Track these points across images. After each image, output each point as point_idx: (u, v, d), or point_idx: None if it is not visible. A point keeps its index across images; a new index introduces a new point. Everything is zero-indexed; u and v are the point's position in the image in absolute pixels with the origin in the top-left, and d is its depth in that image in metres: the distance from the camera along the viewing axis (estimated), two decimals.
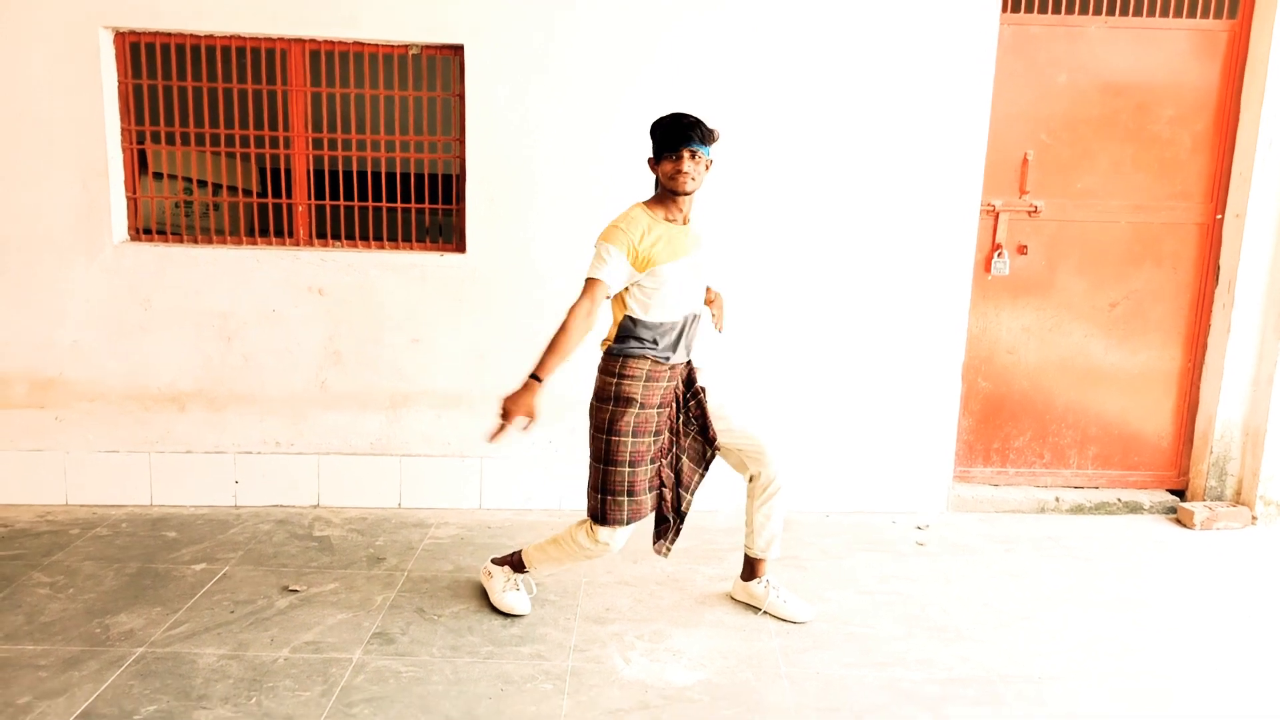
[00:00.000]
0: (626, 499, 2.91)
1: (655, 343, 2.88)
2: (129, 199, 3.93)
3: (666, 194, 2.85)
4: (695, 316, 2.97)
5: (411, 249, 4.01)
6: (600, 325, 2.87)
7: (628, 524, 2.94)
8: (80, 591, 3.24)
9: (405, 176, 4.12)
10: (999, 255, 4.14)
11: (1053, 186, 4.14)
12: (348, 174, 4.12)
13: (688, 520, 3.19)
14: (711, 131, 2.82)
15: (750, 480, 3.14)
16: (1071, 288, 4.21)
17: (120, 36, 3.79)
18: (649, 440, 2.93)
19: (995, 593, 3.47)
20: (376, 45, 3.84)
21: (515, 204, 3.90)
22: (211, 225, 4.10)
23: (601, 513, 2.93)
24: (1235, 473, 4.22)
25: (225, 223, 4.10)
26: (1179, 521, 4.17)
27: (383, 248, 4.00)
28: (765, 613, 3.21)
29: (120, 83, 3.83)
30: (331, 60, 3.93)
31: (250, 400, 4.00)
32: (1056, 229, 4.16)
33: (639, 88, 3.82)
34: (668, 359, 2.90)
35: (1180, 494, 4.35)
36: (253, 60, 3.96)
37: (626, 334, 2.88)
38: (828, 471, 4.15)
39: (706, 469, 3.07)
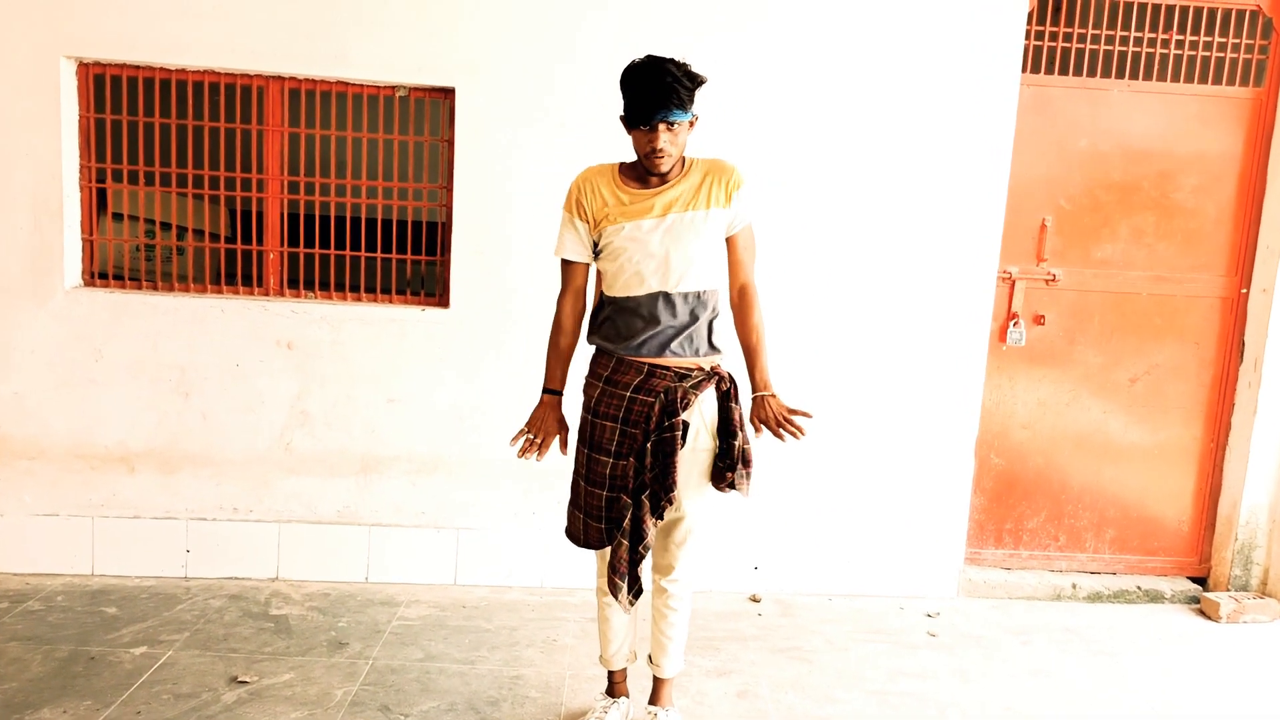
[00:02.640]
0: (579, 514, 2.59)
1: (617, 329, 2.48)
2: (85, 241, 3.62)
3: (642, 166, 2.43)
4: (676, 297, 2.42)
5: (391, 302, 3.72)
6: None
7: (584, 545, 2.60)
8: (2, 679, 2.87)
9: (387, 224, 3.85)
10: (1015, 325, 3.91)
11: (1071, 254, 3.93)
12: (325, 220, 3.85)
13: None
14: (694, 84, 2.32)
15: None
16: (1090, 361, 3.98)
17: (84, 68, 3.51)
18: (607, 460, 2.49)
19: (1018, 694, 3.18)
20: (361, 85, 3.59)
21: (505, 256, 3.63)
22: (174, 271, 3.79)
23: (567, 522, 2.67)
24: (1261, 561, 3.97)
25: (190, 269, 3.80)
26: (1203, 613, 3.91)
27: (360, 300, 3.71)
28: None
29: (81, 116, 3.54)
30: (312, 99, 3.68)
31: (207, 461, 3.67)
32: (1075, 299, 3.95)
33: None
34: (636, 353, 2.46)
35: (1202, 581, 4.09)
36: (226, 97, 3.69)
37: (594, 314, 2.60)
38: (831, 551, 3.86)
39: (658, 513, 2.48)
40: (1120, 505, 4.05)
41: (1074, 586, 3.96)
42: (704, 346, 2.51)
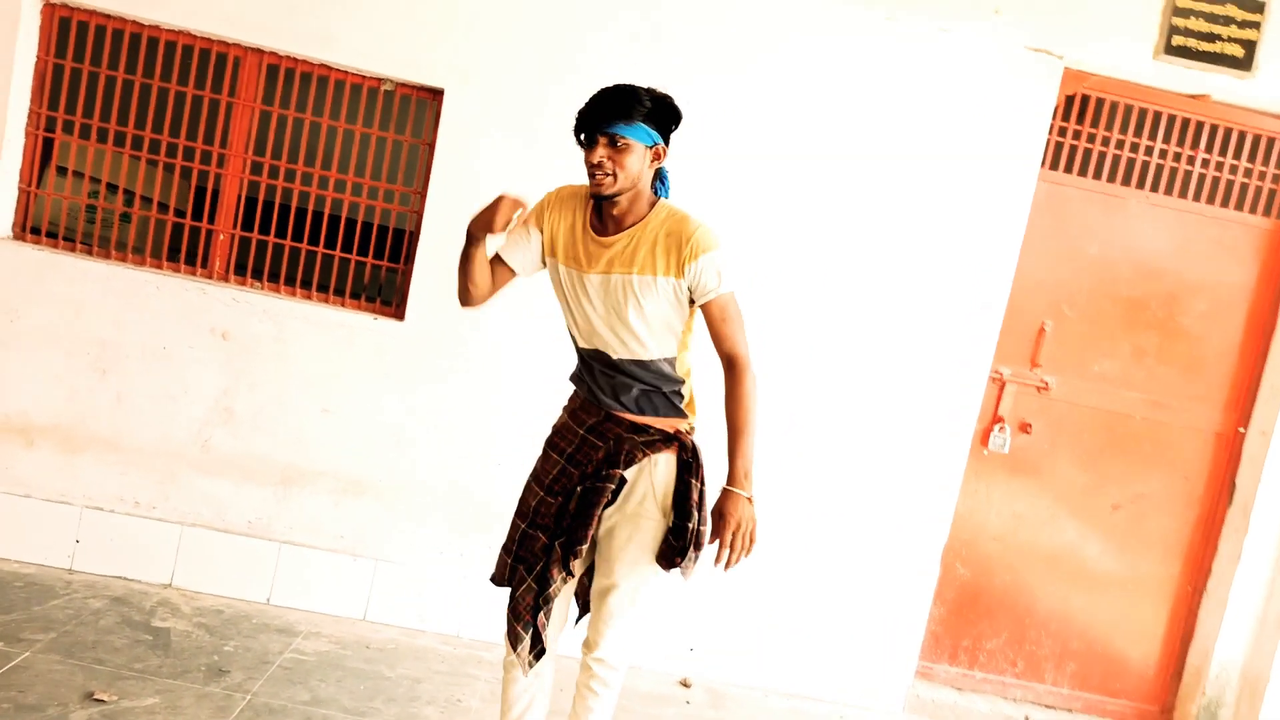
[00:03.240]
0: (503, 552, 2.37)
1: (578, 371, 2.34)
2: (21, 190, 3.34)
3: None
4: (618, 361, 2.20)
5: (343, 305, 3.45)
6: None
7: (494, 578, 2.38)
8: None
9: (350, 223, 3.59)
10: (1000, 429, 3.68)
11: (1067, 364, 3.71)
12: (284, 208, 3.58)
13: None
14: (656, 106, 2.09)
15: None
16: (1073, 479, 3.75)
17: (49, 7, 3.26)
18: (539, 493, 2.30)
19: None
20: (345, 72, 3.36)
21: None
22: (113, 237, 3.51)
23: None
24: None
25: (131, 238, 3.52)
26: None
27: (309, 298, 3.44)
28: None
29: (39, 59, 3.29)
30: (290, 79, 3.43)
31: (114, 447, 3.36)
32: (1065, 411, 3.72)
33: None
34: (592, 397, 2.27)
35: None
36: (199, 62, 3.44)
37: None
38: (774, 642, 3.57)
39: (565, 567, 2.27)
40: (1086, 638, 3.79)
41: (1026, 719, 3.69)
42: (665, 408, 2.25)
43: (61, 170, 3.43)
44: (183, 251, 3.49)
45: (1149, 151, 3.65)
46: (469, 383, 3.40)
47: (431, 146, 3.36)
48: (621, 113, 2.06)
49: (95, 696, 2.64)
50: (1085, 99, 3.61)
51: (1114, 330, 3.72)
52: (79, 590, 3.24)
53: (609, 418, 2.25)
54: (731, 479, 2.20)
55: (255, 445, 3.41)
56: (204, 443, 3.39)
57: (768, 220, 3.43)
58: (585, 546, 2.22)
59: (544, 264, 2.31)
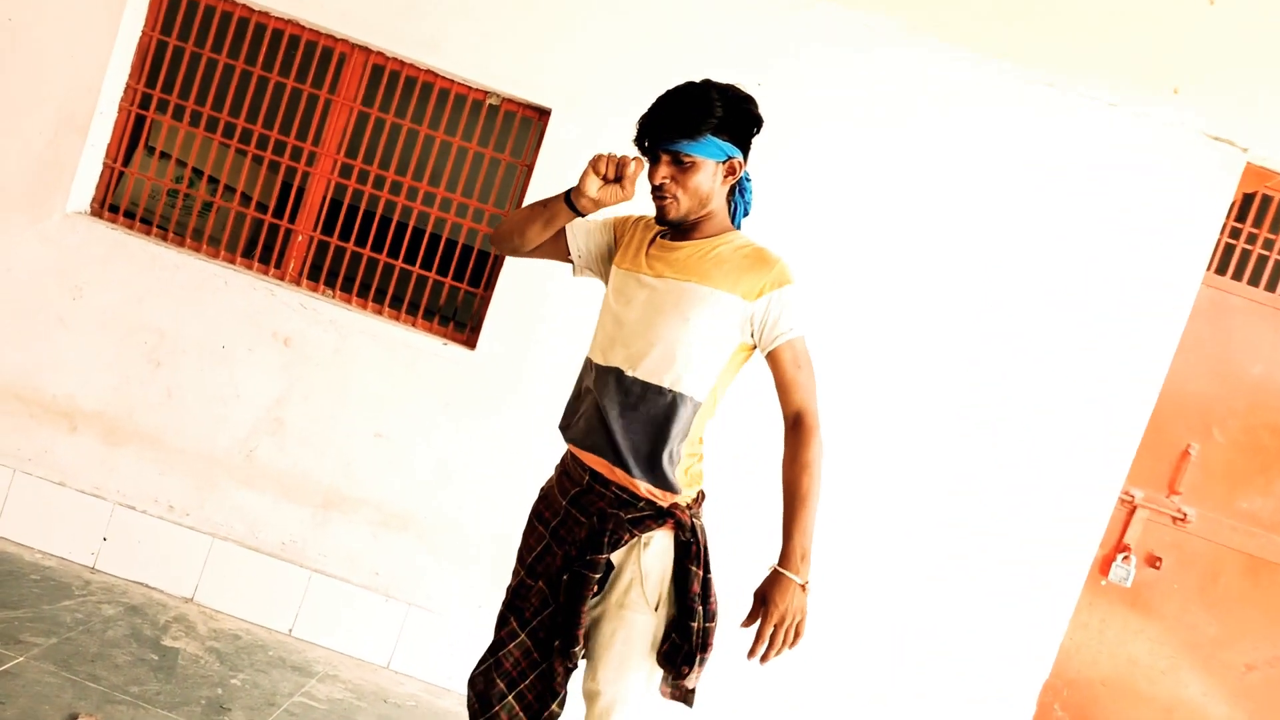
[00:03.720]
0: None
1: (571, 399, 2.01)
2: (107, 166, 3.21)
3: None
4: (631, 382, 1.85)
5: (413, 325, 3.21)
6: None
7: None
8: None
9: (434, 238, 3.36)
10: (1124, 559, 3.21)
11: (1211, 496, 3.24)
12: (368, 214, 3.38)
13: None
14: (731, 114, 1.80)
15: None
16: (1202, 628, 3.25)
17: None
18: (519, 570, 1.99)
19: None
20: (451, 81, 3.15)
21: (555, 310, 3.09)
22: (191, 225, 3.35)
23: None
24: None
25: (209, 226, 3.36)
26: None
27: (379, 312, 3.21)
28: None
29: (144, 34, 3.17)
30: (394, 82, 3.24)
31: (157, 444, 3.17)
32: (1203, 549, 3.24)
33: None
34: (573, 438, 1.95)
35: None
36: (304, 53, 3.28)
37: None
38: None
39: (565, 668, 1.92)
40: None
41: None
42: (663, 467, 1.84)
43: (150, 150, 3.30)
44: (258, 248, 3.31)
45: None
46: (531, 424, 3.11)
47: (530, 168, 3.12)
48: (688, 127, 1.78)
49: (78, 718, 2.40)
50: (1266, 199, 3.17)
51: (1270, 464, 3.23)
52: (95, 593, 3.03)
53: (592, 486, 1.90)
54: (784, 559, 1.81)
55: (300, 461, 3.18)
56: (249, 452, 3.18)
57: (893, 297, 3.07)
58: (577, 649, 1.87)
59: (600, 268, 2.05)
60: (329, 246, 3.24)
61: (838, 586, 3.07)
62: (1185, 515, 3.23)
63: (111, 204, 3.26)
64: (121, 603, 3.02)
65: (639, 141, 1.86)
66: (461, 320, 3.29)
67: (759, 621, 1.80)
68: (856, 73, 3.04)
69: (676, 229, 1.92)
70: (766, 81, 2.97)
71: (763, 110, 1.92)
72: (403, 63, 3.14)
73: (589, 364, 1.96)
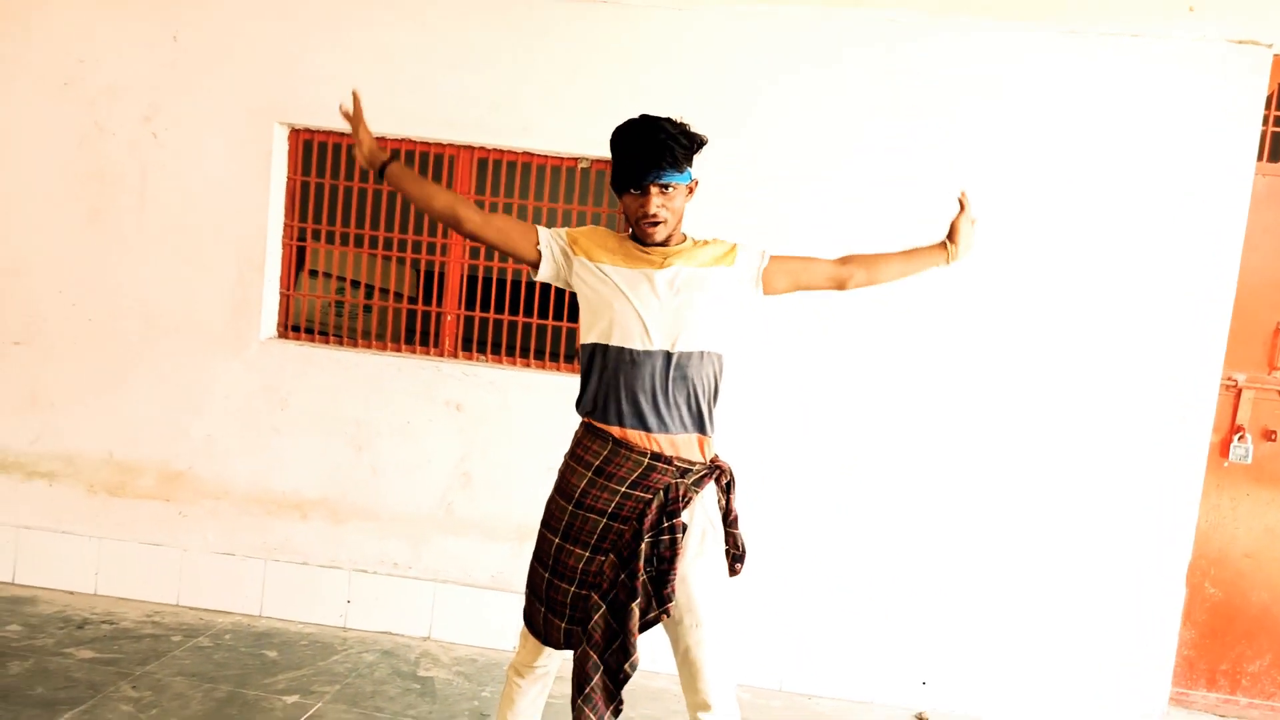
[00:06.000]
0: (540, 607, 2.28)
1: (595, 395, 2.22)
2: (282, 294, 3.82)
3: (634, 234, 2.25)
4: (679, 356, 2.16)
5: (559, 369, 3.71)
6: None
7: (545, 641, 2.29)
8: (164, 714, 2.97)
9: (561, 293, 3.86)
10: (1239, 439, 3.47)
11: None
12: (500, 284, 3.90)
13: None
14: (692, 144, 2.15)
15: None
16: None
17: (294, 133, 3.74)
18: (582, 553, 2.20)
19: None
20: (545, 156, 3.65)
21: None
22: (359, 327, 3.94)
23: (524, 608, 2.37)
24: None
25: (373, 325, 3.94)
26: None
27: (528, 365, 3.72)
28: None
29: (289, 178, 3.77)
30: (499, 168, 3.76)
31: (372, 515, 3.75)
32: None
33: (801, 218, 3.46)
34: (622, 431, 2.17)
35: None
36: (420, 163, 3.83)
37: (583, 382, 2.28)
38: (1010, 673, 3.49)
39: (645, 627, 2.19)
40: None
41: None
42: (706, 421, 2.24)
43: (313, 273, 3.90)
44: (417, 334, 3.86)
45: None
46: None
47: None
48: (671, 161, 2.12)
49: None
50: None
51: None
52: (353, 645, 3.62)
53: (652, 465, 2.18)
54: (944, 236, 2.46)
55: (492, 506, 3.71)
56: (448, 506, 3.72)
57: (992, 232, 3.42)
58: (670, 602, 2.15)
59: (557, 260, 2.29)
60: (474, 320, 3.78)
61: (993, 504, 3.44)
62: None
63: (293, 325, 3.86)
64: (376, 650, 3.60)
65: (625, 182, 2.16)
66: None
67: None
68: (897, 63, 3.41)
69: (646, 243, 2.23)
70: (796, 81, 3.38)
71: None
72: (502, 151, 3.66)
73: (620, 351, 2.18)
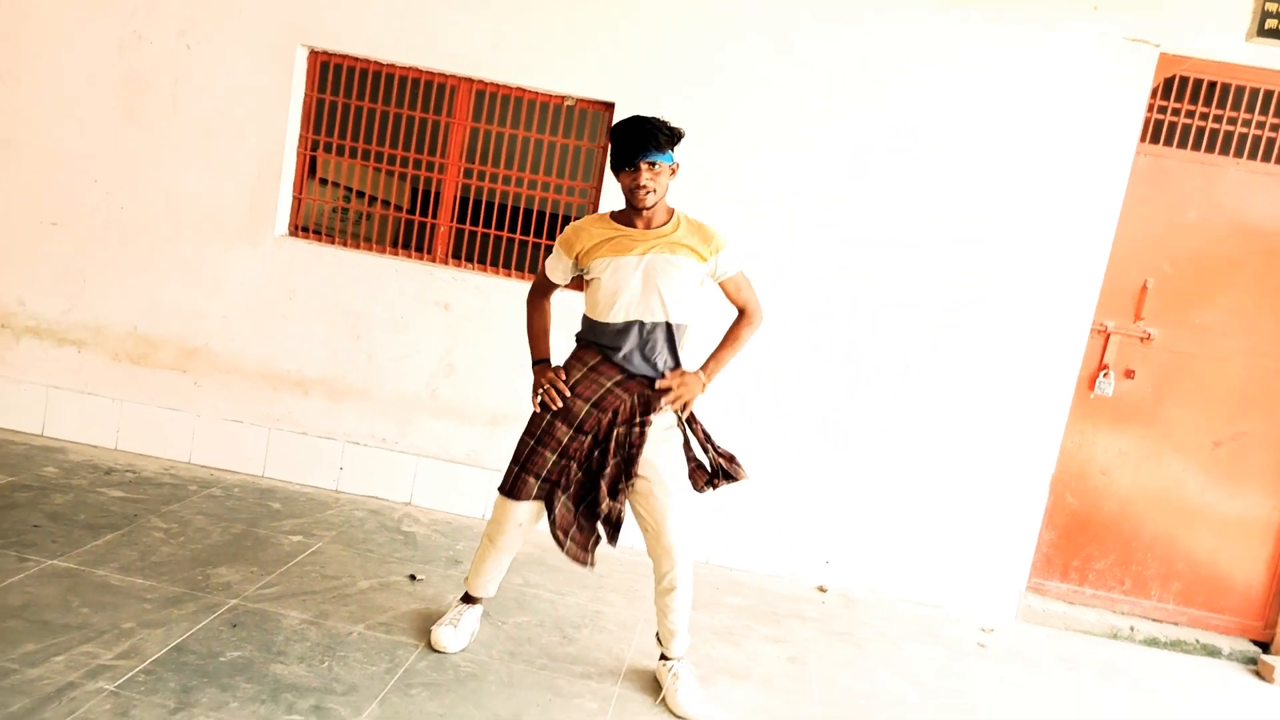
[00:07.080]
0: (517, 469, 2.95)
1: (588, 340, 2.94)
2: (295, 198, 4.33)
3: (629, 204, 2.85)
4: (649, 326, 2.85)
5: None
6: None
7: (512, 496, 2.94)
8: (189, 540, 3.54)
9: (542, 214, 4.41)
10: (1104, 375, 4.15)
11: (1169, 317, 4.14)
12: (490, 204, 4.44)
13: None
14: (672, 134, 2.76)
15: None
16: (1175, 420, 4.17)
17: (314, 55, 4.22)
18: (567, 430, 2.89)
19: (1052, 708, 3.44)
20: (537, 93, 4.17)
21: None
22: (361, 232, 4.46)
23: (503, 479, 3.00)
24: None
25: (374, 231, 4.46)
26: (1258, 674, 4.03)
27: (510, 275, 4.28)
28: (661, 701, 2.97)
29: (306, 95, 4.25)
30: (494, 100, 4.28)
31: (366, 396, 4.31)
32: (1168, 359, 4.15)
33: (764, 170, 4.04)
34: (619, 359, 2.87)
35: (1265, 646, 4.20)
36: (424, 91, 4.33)
37: (583, 326, 2.99)
38: (900, 557, 4.18)
39: (614, 495, 2.89)
40: (1190, 560, 4.22)
41: (1132, 629, 4.15)
42: (674, 366, 2.93)
43: (322, 181, 4.40)
44: (412, 242, 4.40)
45: (1246, 124, 4.02)
46: None
47: (604, 149, 4.13)
48: (655, 143, 2.72)
49: (414, 576, 3.55)
50: (1184, 80, 4.02)
51: (1214, 286, 4.12)
52: (345, 505, 4.20)
53: (631, 377, 2.88)
54: (704, 367, 2.95)
55: (470, 394, 4.29)
56: (433, 392, 4.29)
57: (897, 201, 4.03)
58: (637, 477, 2.85)
59: (575, 272, 2.97)
60: (464, 232, 4.32)
61: (894, 407, 4.09)
62: (1150, 335, 4.14)
63: (302, 225, 4.37)
64: (365, 509, 4.19)
65: (621, 162, 2.75)
66: None
67: (669, 381, 2.89)
68: (845, 43, 3.97)
69: (635, 219, 2.85)
70: (781, 49, 3.94)
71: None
72: (499, 85, 4.18)
73: (612, 324, 2.85)
